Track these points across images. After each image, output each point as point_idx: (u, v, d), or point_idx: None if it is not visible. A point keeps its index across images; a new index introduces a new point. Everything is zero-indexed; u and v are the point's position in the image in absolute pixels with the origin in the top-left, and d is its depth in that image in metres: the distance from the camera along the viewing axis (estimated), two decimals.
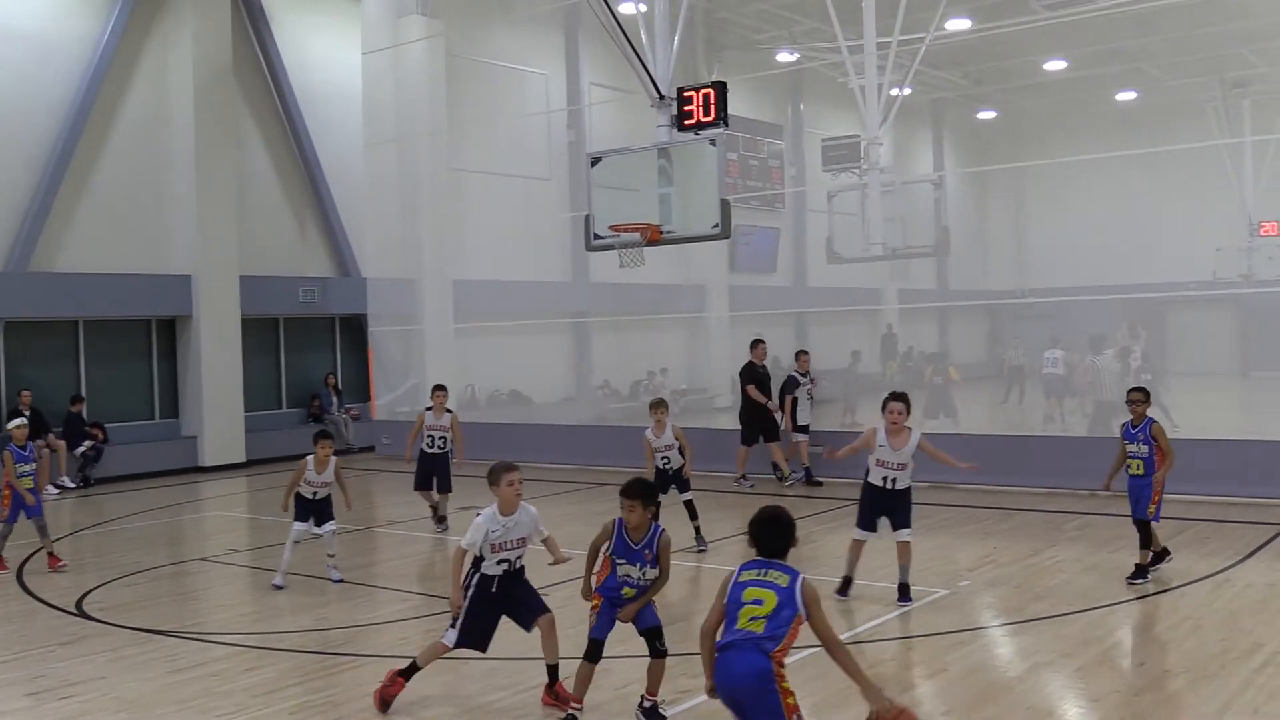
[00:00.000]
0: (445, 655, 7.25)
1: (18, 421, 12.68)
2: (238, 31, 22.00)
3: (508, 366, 25.76)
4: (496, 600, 7.09)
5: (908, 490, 9.64)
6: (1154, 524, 10.10)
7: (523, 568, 7.24)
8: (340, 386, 24.12)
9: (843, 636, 8.45)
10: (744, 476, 16.64)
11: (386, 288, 23.54)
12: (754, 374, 16.77)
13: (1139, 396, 10.34)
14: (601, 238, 13.04)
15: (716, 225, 12.28)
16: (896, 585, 9.61)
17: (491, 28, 25.72)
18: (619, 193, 13.03)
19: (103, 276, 20.08)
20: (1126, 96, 35.67)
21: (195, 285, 20.96)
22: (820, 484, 16.44)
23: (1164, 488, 10.04)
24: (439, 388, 14.43)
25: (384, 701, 7.12)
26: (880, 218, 20.90)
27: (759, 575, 5.28)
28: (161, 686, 7.83)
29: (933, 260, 32.45)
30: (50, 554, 12.10)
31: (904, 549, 9.58)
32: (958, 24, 25.75)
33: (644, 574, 6.77)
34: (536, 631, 7.16)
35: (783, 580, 5.22)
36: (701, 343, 30.38)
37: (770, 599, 5.18)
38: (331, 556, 11.10)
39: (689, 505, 12.22)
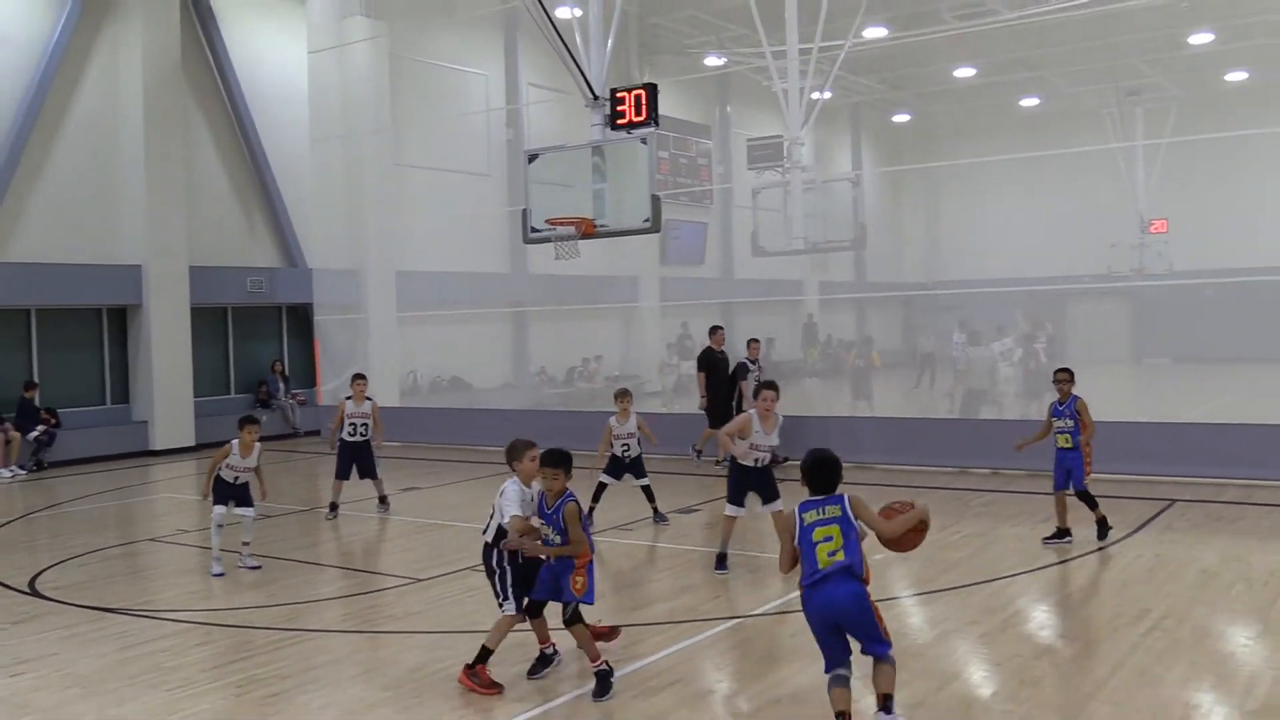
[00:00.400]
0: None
1: None
2: (186, 30, 21.57)
3: (449, 354, 25.62)
4: (522, 567, 7.14)
5: (770, 467, 9.95)
6: (1063, 493, 10.56)
7: None
8: (287, 373, 23.82)
9: (761, 610, 8.56)
10: (699, 452, 16.50)
11: (332, 278, 23.26)
12: (711, 359, 16.48)
13: (1064, 376, 10.83)
14: (538, 231, 13.00)
15: (648, 220, 12.29)
16: (723, 552, 10.00)
17: (433, 29, 25.49)
18: (555, 188, 13.00)
19: (55, 266, 19.62)
20: (1030, 102, 36.26)
21: (145, 275, 20.55)
22: (784, 460, 16.24)
23: (1091, 457, 10.56)
24: (359, 376, 13.91)
25: (491, 685, 6.83)
26: (802, 214, 21.05)
27: (818, 515, 5.80)
28: (112, 662, 7.69)
29: (851, 254, 32.78)
30: None
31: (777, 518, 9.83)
32: (875, 32, 25.98)
33: (554, 535, 6.89)
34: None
35: (837, 511, 5.78)
36: (634, 331, 30.44)
37: (836, 533, 5.73)
38: (246, 545, 10.62)
39: (646, 490, 12.25)
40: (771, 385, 9.97)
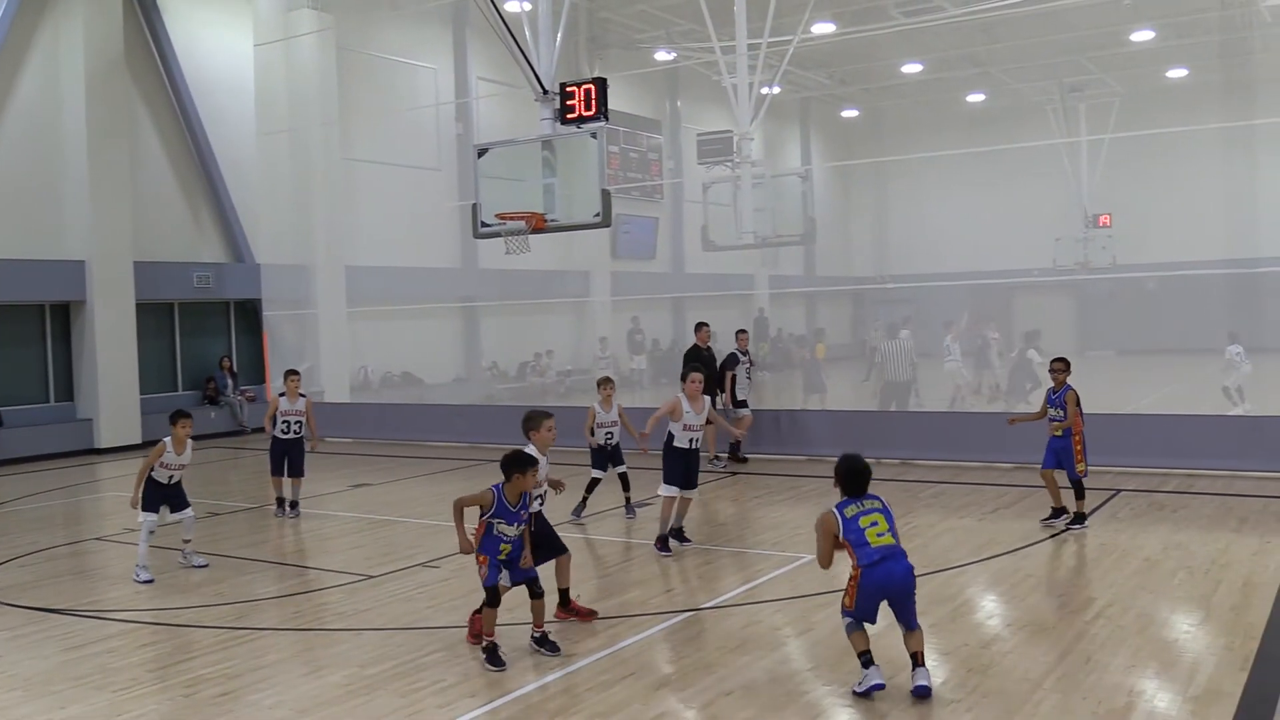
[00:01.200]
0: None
1: None
2: (129, 21, 21.19)
3: (400, 349, 25.45)
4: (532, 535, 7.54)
5: (699, 451, 10.57)
6: (1050, 471, 10.89)
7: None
8: (235, 369, 23.52)
9: (716, 601, 8.59)
10: (716, 457, 16.03)
11: (280, 273, 23.01)
12: (697, 356, 16.00)
13: (1059, 366, 11.12)
14: (489, 225, 12.94)
15: (598, 214, 12.28)
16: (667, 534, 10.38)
17: (381, 23, 25.27)
18: (505, 183, 12.94)
19: None
20: (976, 98, 36.61)
21: (89, 270, 20.19)
22: (746, 460, 16.09)
23: (1084, 445, 10.81)
24: (292, 372, 13.56)
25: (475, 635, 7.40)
26: (751, 208, 21.09)
27: (859, 508, 6.61)
28: (58, 664, 7.55)
29: (801, 248, 32.89)
30: None
31: (690, 503, 10.65)
32: (823, 28, 26.11)
33: (519, 530, 7.25)
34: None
35: (876, 504, 6.66)
36: (586, 325, 30.39)
37: (882, 520, 6.60)
38: (187, 543, 10.36)
39: (623, 477, 12.26)
40: (698, 369, 10.63)
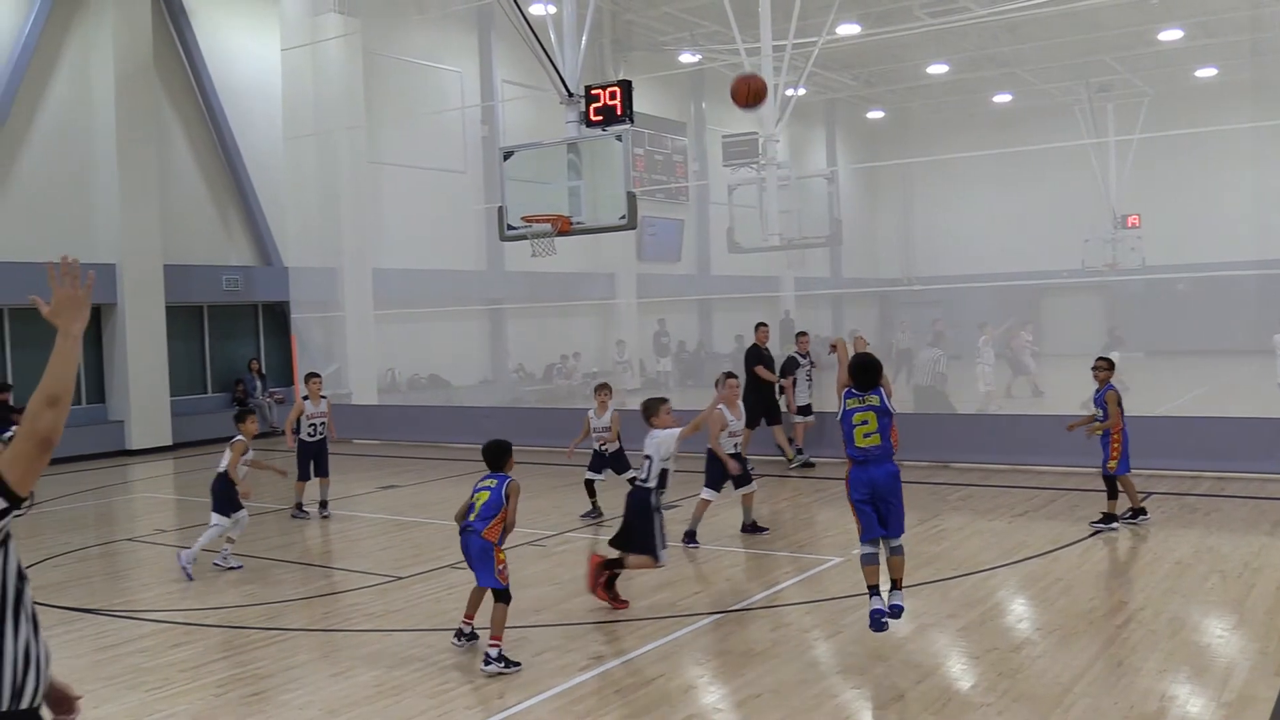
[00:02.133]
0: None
1: None
2: (158, 27, 21.39)
3: (427, 351, 25.54)
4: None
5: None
6: (1121, 476, 10.77)
7: None
8: (264, 371, 23.68)
9: (745, 603, 8.57)
10: (800, 451, 15.84)
11: (308, 276, 23.15)
12: (759, 356, 15.71)
13: (1100, 364, 11.11)
14: (515, 228, 12.96)
15: (624, 216, 12.28)
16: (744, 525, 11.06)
17: (407, 26, 25.39)
18: (531, 185, 12.96)
19: (28, 265, 19.38)
20: (1003, 99, 36.43)
21: (120, 274, 20.38)
22: (813, 465, 15.69)
23: (1122, 444, 10.73)
24: (314, 375, 13.64)
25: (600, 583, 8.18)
26: (777, 210, 21.09)
27: (859, 403, 7.12)
28: (90, 663, 7.62)
29: (827, 250, 32.81)
30: None
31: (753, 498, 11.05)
32: (848, 29, 26.05)
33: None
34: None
35: (875, 400, 7.10)
36: (611, 328, 30.41)
37: (872, 419, 7.07)
38: (231, 542, 10.51)
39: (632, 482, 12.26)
40: (733, 374, 10.92)
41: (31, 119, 19.77)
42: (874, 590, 7.22)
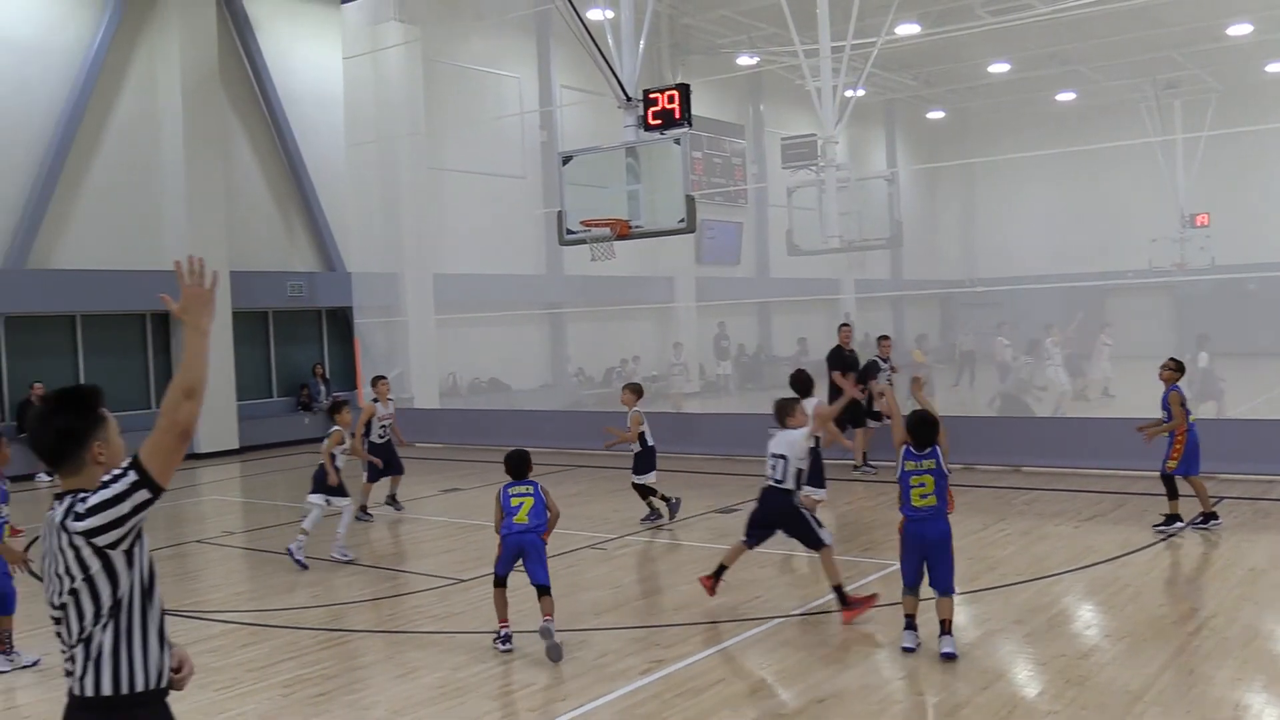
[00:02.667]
0: None
1: None
2: (223, 38, 21.77)
3: (487, 355, 25.72)
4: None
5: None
6: (1190, 479, 10.65)
7: None
8: (328, 376, 23.99)
9: (807, 607, 8.52)
10: (863, 460, 15.29)
11: (370, 281, 23.41)
12: (840, 358, 15.17)
13: (1167, 364, 11.02)
14: (574, 232, 13.01)
15: (682, 220, 12.28)
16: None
17: (466, 33, 25.60)
18: (590, 190, 13.01)
19: (99, 273, 19.87)
20: (1066, 97, 35.91)
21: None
22: (875, 469, 15.26)
23: (1185, 445, 10.62)
24: (381, 378, 13.81)
25: (865, 601, 8.10)
26: (837, 212, 20.95)
27: (916, 465, 7.24)
28: None
29: (887, 252, 32.55)
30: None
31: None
32: (907, 29, 25.83)
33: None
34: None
35: (932, 464, 7.22)
36: (671, 331, 30.41)
37: (930, 482, 7.21)
38: (341, 534, 11.03)
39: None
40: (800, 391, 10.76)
41: (100, 130, 20.21)
42: (910, 621, 7.37)
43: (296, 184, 23.46)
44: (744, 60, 30.08)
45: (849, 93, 21.58)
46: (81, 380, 19.75)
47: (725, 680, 6.93)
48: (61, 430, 3.27)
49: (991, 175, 38.13)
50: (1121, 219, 32.35)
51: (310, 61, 23.64)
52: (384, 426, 13.41)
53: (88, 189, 20.02)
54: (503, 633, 7.72)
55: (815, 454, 10.59)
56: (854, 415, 14.90)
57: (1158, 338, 33.68)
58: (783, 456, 8.28)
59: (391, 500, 13.73)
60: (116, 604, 3.16)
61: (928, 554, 7.24)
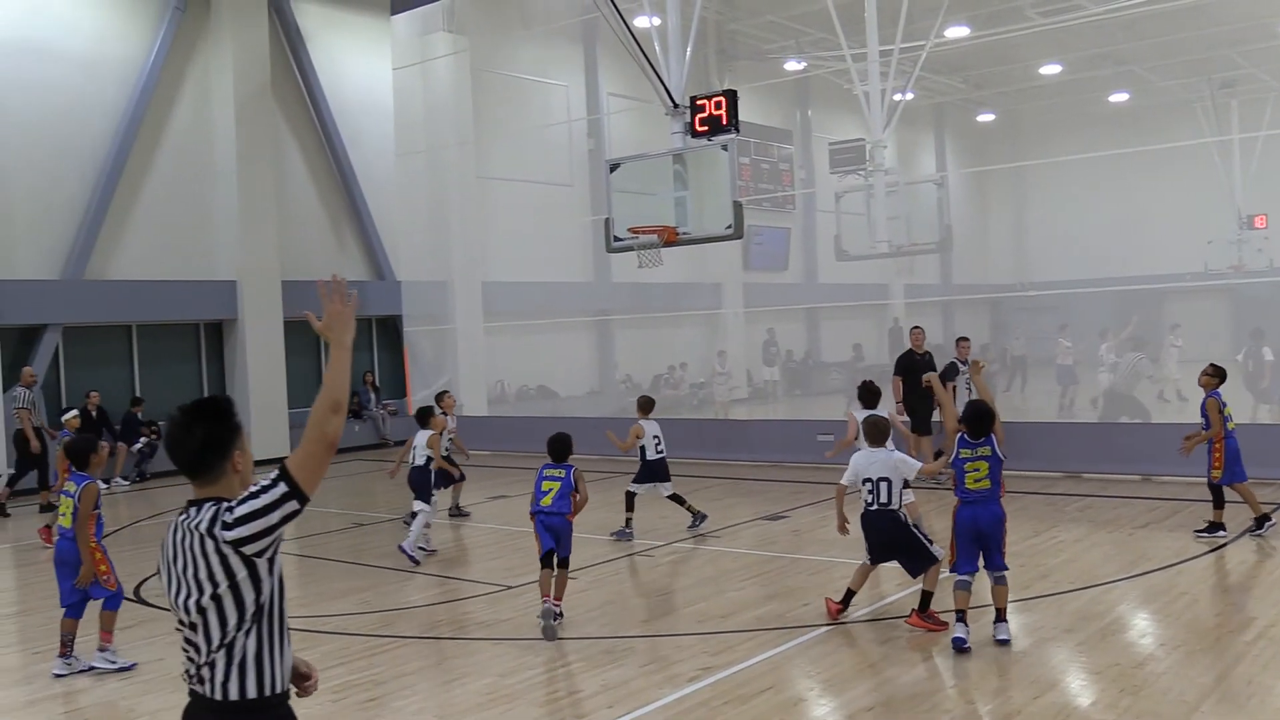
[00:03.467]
0: None
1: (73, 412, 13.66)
2: (275, 50, 22.10)
3: (535, 363, 25.82)
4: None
5: None
6: (1236, 485, 10.57)
7: None
8: (378, 384, 24.22)
9: (855, 615, 8.48)
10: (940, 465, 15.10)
11: (420, 290, 23.61)
12: (908, 362, 14.76)
13: (1206, 369, 10.95)
14: (621, 240, 13.04)
15: (730, 226, 12.27)
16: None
17: (514, 42, 25.76)
18: (637, 197, 13.03)
19: (153, 283, 20.22)
20: (1119, 98, 35.43)
21: (240, 290, 21.07)
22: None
23: (1225, 452, 10.55)
24: (446, 392, 14.09)
25: (939, 623, 7.99)
26: (885, 217, 20.81)
27: (972, 453, 7.59)
28: None
29: (936, 256, 32.28)
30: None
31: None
32: (957, 31, 25.61)
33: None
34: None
35: (987, 451, 7.58)
36: (718, 337, 30.35)
37: (984, 467, 7.55)
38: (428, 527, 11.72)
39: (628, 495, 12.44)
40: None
41: (156, 142, 20.57)
42: (960, 615, 7.50)
43: (346, 193, 23.74)
44: (791, 65, 30.00)
45: (897, 96, 21.44)
46: (137, 390, 20.11)
47: (774, 688, 6.91)
48: (206, 440, 3.35)
49: (1043, 178, 37.69)
50: (1177, 221, 31.82)
51: (360, 72, 23.93)
52: (450, 439, 13.58)
53: (143, 200, 20.38)
54: (545, 606, 8.31)
55: None
56: (924, 421, 14.62)
57: (1214, 341, 33.12)
58: (886, 479, 8.11)
59: (457, 508, 14.00)
60: (259, 609, 3.25)
61: (982, 537, 7.50)
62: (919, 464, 8.39)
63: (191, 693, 3.32)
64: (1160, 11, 23.13)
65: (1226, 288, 31.97)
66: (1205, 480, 10.82)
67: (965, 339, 15.52)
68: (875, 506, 8.14)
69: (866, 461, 8.23)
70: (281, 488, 3.20)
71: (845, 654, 7.62)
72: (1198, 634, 7.63)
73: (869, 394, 10.83)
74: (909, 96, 23.71)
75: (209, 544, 3.19)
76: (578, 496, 8.59)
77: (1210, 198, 31.46)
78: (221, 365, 21.59)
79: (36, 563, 12.52)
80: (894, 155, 27.66)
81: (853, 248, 22.35)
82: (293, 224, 22.50)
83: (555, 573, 8.43)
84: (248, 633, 3.23)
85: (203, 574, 3.20)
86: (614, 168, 13.39)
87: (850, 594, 8.36)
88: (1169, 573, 9.43)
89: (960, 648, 7.34)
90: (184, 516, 3.31)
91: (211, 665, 3.24)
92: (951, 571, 7.67)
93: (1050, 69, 32.30)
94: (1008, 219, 40.64)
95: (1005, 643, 7.41)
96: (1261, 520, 10.62)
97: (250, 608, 3.23)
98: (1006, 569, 7.60)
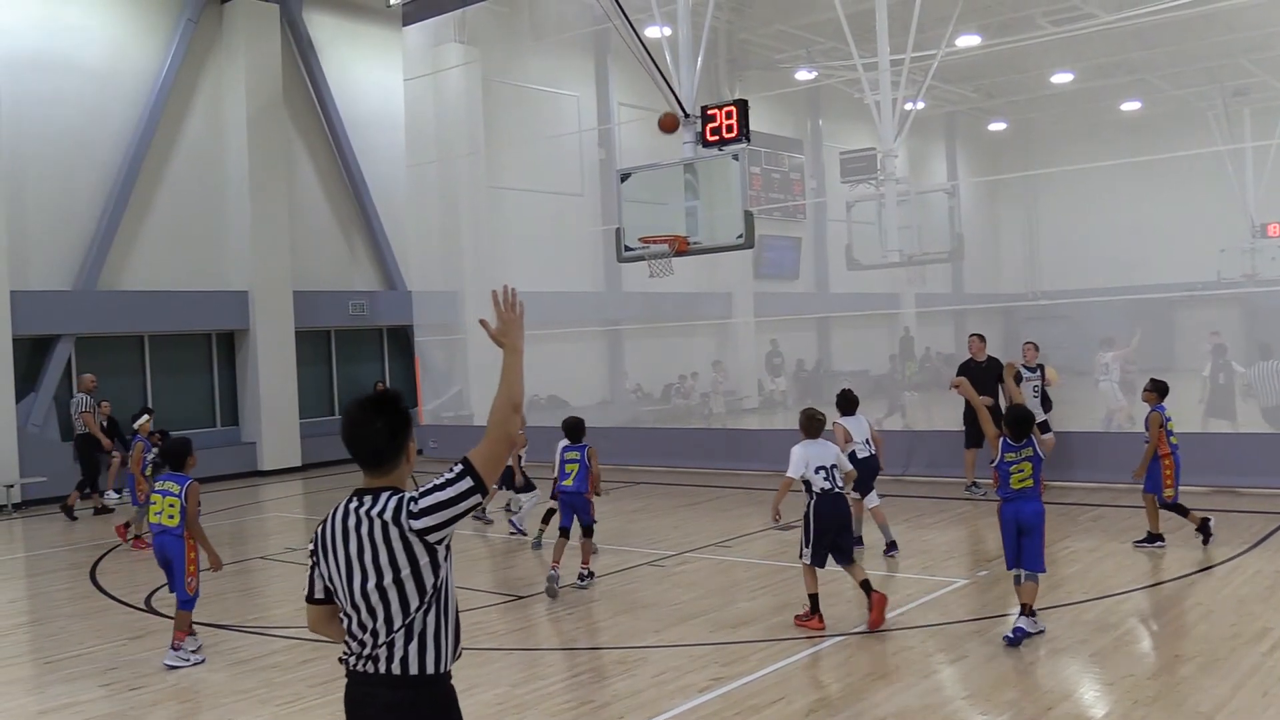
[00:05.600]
0: None
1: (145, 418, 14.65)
2: (287, 62, 22.18)
3: (546, 372, 25.79)
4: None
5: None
6: (1147, 495, 10.69)
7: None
8: None
9: (863, 628, 8.44)
10: (974, 484, 14.41)
11: (431, 299, 23.65)
12: (968, 372, 13.91)
13: (1147, 385, 10.96)
14: (632, 249, 13.06)
15: (741, 235, 12.27)
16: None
17: (525, 53, 25.81)
18: (648, 206, 13.05)
19: (166, 294, 20.29)
20: (1131, 106, 35.34)
21: (251, 300, 21.13)
22: (983, 489, 14.27)
23: (1173, 469, 10.49)
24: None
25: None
26: (897, 226, 20.77)
27: (1016, 455, 7.94)
28: (225, 678, 7.89)
29: (948, 265, 32.19)
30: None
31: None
32: (968, 40, 25.58)
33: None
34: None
35: (1029, 452, 7.94)
36: (729, 347, 30.32)
37: (1028, 468, 7.94)
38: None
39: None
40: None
41: (168, 153, 20.66)
42: (1024, 609, 7.89)
43: (358, 204, 23.80)
44: (802, 75, 29.98)
45: (909, 106, 21.43)
46: (149, 400, 20.14)
47: (785, 698, 6.89)
48: (389, 430, 3.52)
49: (1055, 187, 37.60)
50: (1189, 230, 31.70)
51: (372, 83, 24.00)
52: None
53: (155, 211, 20.46)
54: (551, 573, 9.75)
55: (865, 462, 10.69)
56: (976, 432, 13.83)
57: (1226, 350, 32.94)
58: (835, 466, 8.64)
59: (482, 513, 14.14)
60: (436, 590, 3.47)
61: (1023, 531, 7.88)
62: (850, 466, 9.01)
63: (356, 672, 3.57)
64: (1172, 20, 23.10)
65: (1239, 297, 31.84)
66: (1160, 502, 10.71)
67: (1032, 343, 14.99)
68: (835, 491, 8.52)
69: (816, 451, 8.61)
70: (468, 481, 3.41)
71: (857, 664, 7.59)
72: (1213, 645, 7.58)
73: (846, 401, 11.00)
74: (920, 105, 23.68)
75: (393, 531, 3.39)
76: (595, 473, 10.22)
77: (1223, 206, 31.35)
78: (233, 375, 21.64)
79: (50, 571, 12.56)
80: (905, 164, 27.62)
81: (864, 257, 22.32)
82: (304, 234, 22.56)
83: (582, 541, 10.15)
84: (426, 613, 3.45)
85: (383, 559, 3.39)
86: (625, 177, 13.41)
87: (814, 599, 8.53)
88: (1183, 583, 9.38)
89: (1017, 641, 7.63)
90: (357, 504, 3.48)
91: (390, 644, 3.45)
92: (1009, 569, 8.05)
93: (1062, 78, 32.24)
94: (1019, 228, 40.57)
95: (1020, 632, 7.68)
96: (1154, 538, 10.72)
97: (429, 590, 3.45)
98: (1043, 570, 7.96)
